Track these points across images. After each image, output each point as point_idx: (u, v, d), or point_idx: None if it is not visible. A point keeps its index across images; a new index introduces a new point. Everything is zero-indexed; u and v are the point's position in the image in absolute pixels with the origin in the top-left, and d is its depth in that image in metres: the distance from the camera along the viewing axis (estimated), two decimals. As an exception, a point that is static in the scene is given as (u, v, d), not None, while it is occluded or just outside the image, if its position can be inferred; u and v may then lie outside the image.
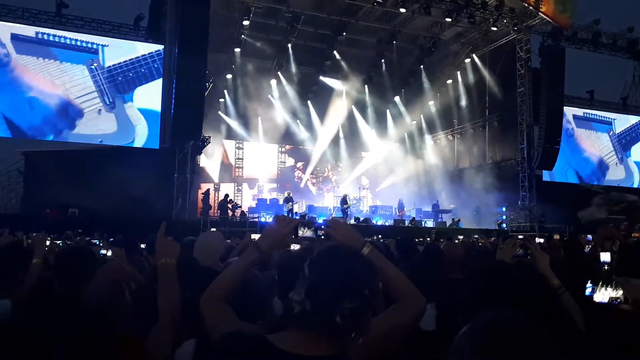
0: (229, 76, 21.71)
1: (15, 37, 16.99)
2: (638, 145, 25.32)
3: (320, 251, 1.39)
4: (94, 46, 18.28)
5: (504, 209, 20.58)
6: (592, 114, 24.05)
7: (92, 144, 17.43)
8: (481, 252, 5.56)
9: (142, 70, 18.61)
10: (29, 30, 17.03)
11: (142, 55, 18.49)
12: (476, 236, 12.09)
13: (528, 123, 20.56)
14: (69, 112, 17.48)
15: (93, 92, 17.83)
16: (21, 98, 16.88)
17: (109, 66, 18.13)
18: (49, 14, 17.04)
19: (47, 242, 4.22)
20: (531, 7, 19.11)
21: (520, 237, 12.19)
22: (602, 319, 1.66)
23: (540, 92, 20.01)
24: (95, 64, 18.07)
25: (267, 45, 21.07)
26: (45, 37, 17.45)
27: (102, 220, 12.64)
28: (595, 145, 24.14)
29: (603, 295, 1.68)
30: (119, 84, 18.22)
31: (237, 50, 20.62)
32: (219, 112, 22.31)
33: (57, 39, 17.61)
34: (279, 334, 1.29)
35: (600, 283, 1.69)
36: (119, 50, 18.36)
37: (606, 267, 4.11)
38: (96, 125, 17.75)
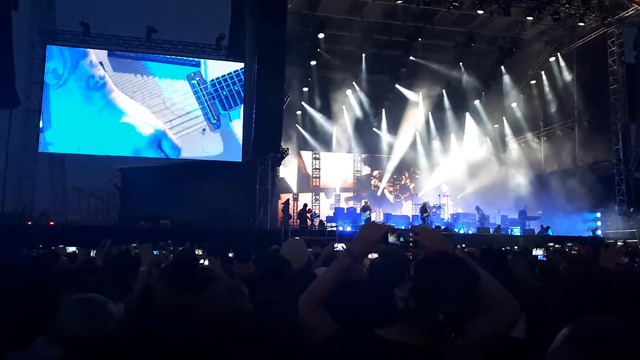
0: (305, 89, 22.21)
1: (112, 54, 17.12)
2: None
3: (428, 255, 1.49)
4: (195, 59, 17.88)
5: (598, 214, 19.17)
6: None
7: (176, 159, 18.24)
8: (576, 260, 5.24)
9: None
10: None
11: (241, 69, 17.97)
12: (569, 244, 11.34)
13: (623, 122, 19.07)
14: (168, 137, 16.84)
15: (196, 109, 17.13)
16: (116, 124, 16.64)
17: (213, 79, 17.51)
18: (140, 40, 18.42)
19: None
20: (623, -2, 17.82)
21: (620, 243, 11.32)
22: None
23: (637, 89, 18.52)
24: (197, 78, 17.34)
25: (342, 57, 21.33)
26: (141, 54, 17.39)
27: (190, 230, 13.34)
28: None
29: None
30: (223, 99, 17.54)
31: (313, 63, 21.06)
32: (296, 125, 22.86)
33: (153, 55, 17.36)
34: (385, 329, 1.40)
35: None
36: (221, 65, 17.90)
37: None
38: (200, 147, 17.25)
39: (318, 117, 22.74)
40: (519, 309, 1.63)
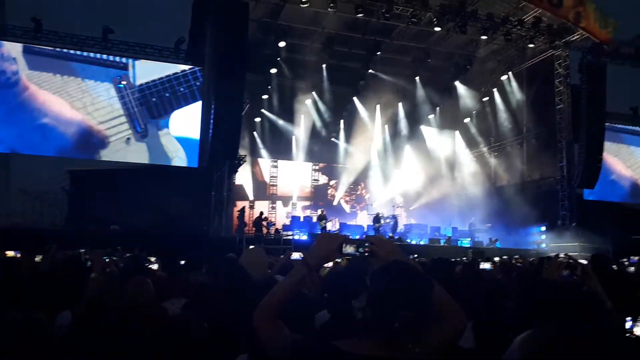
0: (265, 96, 22.17)
1: (28, 51, 14.92)
2: None
3: (383, 265, 1.51)
4: (124, 60, 16.03)
5: (542, 228, 20.03)
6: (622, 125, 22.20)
7: (134, 163, 17.74)
8: (522, 272, 5.47)
9: (181, 89, 16.67)
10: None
11: (181, 72, 16.65)
12: (516, 256, 11.81)
13: (568, 140, 20.08)
14: (90, 142, 14.97)
15: (120, 116, 15.34)
16: (32, 126, 14.68)
17: (142, 84, 15.90)
18: (96, 39, 17.86)
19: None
20: (570, 23, 18.81)
21: (562, 256, 11.85)
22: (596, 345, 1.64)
23: (581, 109, 19.56)
24: (124, 82, 15.65)
25: (302, 66, 21.46)
26: (65, 50, 15.26)
27: (141, 237, 12.99)
28: (627, 163, 22.26)
29: None
30: (152, 106, 15.92)
31: (273, 71, 21.08)
32: (254, 132, 22.75)
33: (78, 53, 15.33)
34: (343, 340, 1.40)
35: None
36: (153, 67, 16.23)
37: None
38: (124, 157, 15.70)
39: (277, 125, 22.71)
40: (465, 319, 1.69)
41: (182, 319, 2.22)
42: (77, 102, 15.07)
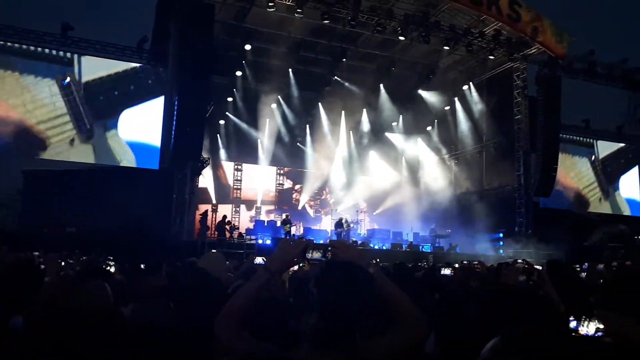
0: (229, 99, 21.97)
1: None
2: (628, 175, 24.38)
3: (324, 270, 1.47)
4: (68, 56, 14.78)
5: (501, 235, 20.61)
6: (567, 135, 22.66)
7: (90, 163, 17.15)
8: (482, 278, 5.60)
9: (132, 88, 15.65)
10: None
11: (132, 69, 15.65)
12: (475, 262, 12.07)
13: (525, 150, 20.78)
14: (28, 143, 13.72)
15: (64, 115, 14.15)
16: None
17: (88, 82, 14.85)
18: (54, 35, 17.29)
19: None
20: (528, 37, 19.51)
21: (520, 261, 12.22)
22: (585, 352, 1.71)
23: (537, 120, 20.30)
24: (68, 78, 14.51)
25: (268, 70, 21.40)
26: (2, 42, 13.78)
27: (100, 239, 12.62)
28: (571, 173, 22.75)
29: (588, 328, 1.74)
30: (99, 105, 14.90)
31: (239, 73, 20.94)
32: (218, 134, 22.51)
33: (16, 46, 13.91)
34: (296, 352, 1.37)
35: (584, 317, 1.75)
36: (101, 63, 15.06)
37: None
38: (67, 159, 14.63)
39: (242, 128, 22.53)
40: (426, 324, 1.70)
41: (139, 323, 2.17)
42: (14, 99, 13.81)
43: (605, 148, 24.21)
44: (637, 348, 1.64)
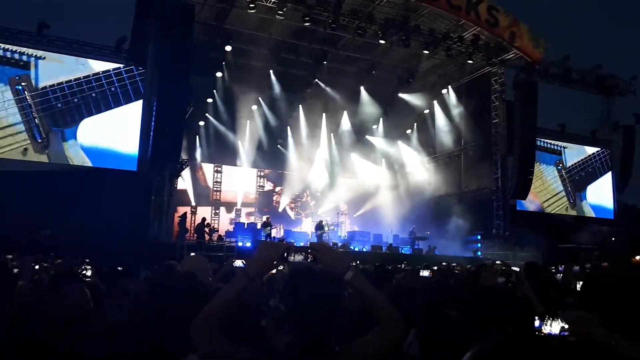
0: (209, 100, 21.80)
1: None
2: (596, 184, 24.62)
3: (287, 283, 1.47)
4: (24, 58, 13.80)
5: (479, 237, 20.88)
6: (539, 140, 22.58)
7: (66, 164, 16.80)
8: (461, 279, 5.66)
9: (94, 94, 14.95)
10: None
11: (94, 75, 14.93)
12: (454, 264, 12.20)
13: (502, 153, 21.11)
14: None
15: (17, 123, 13.17)
16: None
17: (45, 87, 13.94)
18: (30, 34, 16.93)
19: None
20: (505, 42, 19.84)
21: (498, 263, 12.40)
22: (550, 351, 1.73)
23: (514, 124, 20.64)
24: (23, 83, 13.57)
25: (248, 71, 21.30)
26: None
27: (76, 242, 12.36)
28: (538, 182, 22.52)
29: (552, 327, 1.77)
30: (57, 112, 13.98)
31: (219, 74, 20.80)
32: (198, 135, 22.31)
33: None
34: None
35: (547, 317, 1.78)
36: (60, 67, 14.12)
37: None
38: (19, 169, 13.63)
39: (222, 129, 22.34)
40: (404, 326, 1.70)
41: (117, 327, 2.13)
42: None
43: (573, 156, 24.59)
44: (599, 347, 1.68)
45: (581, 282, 4.19)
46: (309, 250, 1.72)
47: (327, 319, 1.36)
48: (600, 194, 24.56)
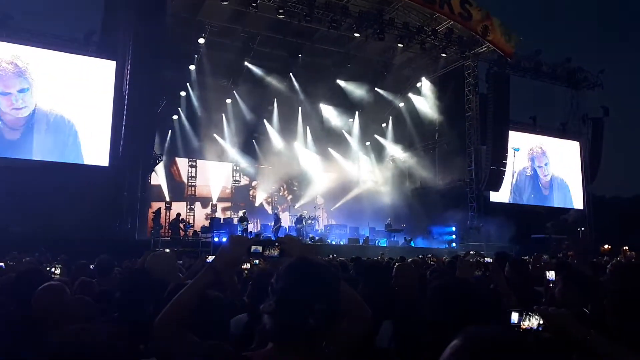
0: (183, 93, 21.46)
1: None
2: (566, 175, 24.89)
3: (290, 263, 1.46)
4: None
5: (453, 228, 21.18)
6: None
7: (33, 160, 16.31)
8: (437, 271, 5.71)
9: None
10: None
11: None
12: (429, 255, 12.36)
13: (476, 146, 21.41)
14: None
15: None
16: None
17: None
18: (-7, 25, 16.33)
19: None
20: (478, 36, 20.07)
21: (472, 253, 12.60)
22: (526, 346, 1.75)
23: (487, 117, 20.95)
24: None
25: (222, 64, 21.05)
26: None
27: (46, 239, 12.05)
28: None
29: (529, 322, 1.79)
30: None
31: (192, 67, 20.48)
32: (172, 130, 21.98)
33: None
34: (256, 351, 1.36)
35: (525, 312, 1.80)
36: None
37: (551, 285, 4.30)
38: None
39: (196, 123, 22.00)
40: (370, 313, 1.71)
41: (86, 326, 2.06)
42: None
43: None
44: (573, 342, 1.70)
45: (551, 272, 4.27)
46: (277, 244, 1.72)
47: (315, 304, 1.35)
48: (571, 185, 25.12)
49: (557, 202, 24.42)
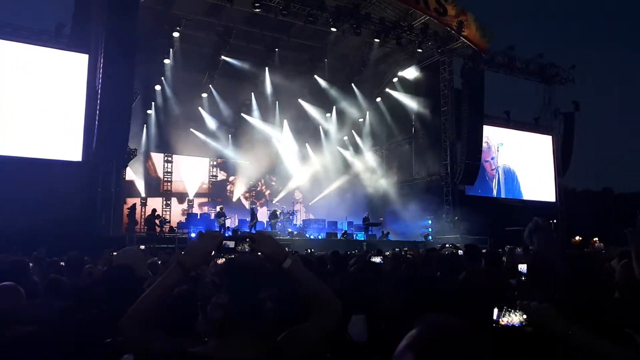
0: (157, 87, 21.13)
1: None
2: (538, 169, 25.32)
3: (225, 271, 1.47)
4: None
5: (429, 222, 21.45)
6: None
7: (2, 156, 15.84)
8: (409, 264, 5.78)
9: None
10: None
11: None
12: (406, 248, 12.50)
13: (451, 140, 21.68)
14: None
15: None
16: None
17: None
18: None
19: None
20: (454, 32, 20.28)
21: (448, 246, 12.77)
22: (507, 342, 1.79)
23: (462, 111, 21.22)
24: None
25: (198, 58, 20.79)
26: None
27: (15, 236, 11.74)
28: None
29: (510, 318, 1.82)
30: None
31: (167, 61, 20.17)
32: (147, 125, 21.64)
33: None
34: (204, 345, 1.35)
35: (506, 307, 1.83)
36: None
37: (523, 278, 4.40)
38: None
39: (171, 117, 21.68)
40: (340, 305, 1.72)
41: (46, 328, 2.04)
42: None
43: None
44: (555, 337, 1.74)
45: (525, 265, 4.37)
46: (247, 240, 1.71)
47: (262, 301, 1.37)
48: (543, 178, 25.64)
49: (530, 195, 24.86)
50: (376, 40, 20.41)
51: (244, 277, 1.38)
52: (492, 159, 23.96)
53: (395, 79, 24.01)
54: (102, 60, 15.32)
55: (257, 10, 17.68)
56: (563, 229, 24.12)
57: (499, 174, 24.08)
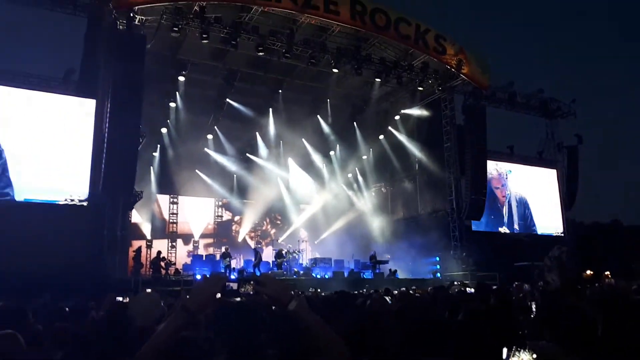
0: (163, 130, 21.46)
1: None
2: (545, 203, 25.16)
3: (217, 315, 1.45)
4: None
5: (437, 258, 21.19)
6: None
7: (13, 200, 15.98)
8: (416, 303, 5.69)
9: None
10: None
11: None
12: (414, 287, 12.34)
13: (455, 176, 21.69)
14: None
15: None
16: None
17: None
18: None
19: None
20: (453, 70, 20.63)
21: (456, 283, 12.59)
22: None
23: (465, 147, 21.30)
24: None
25: (203, 100, 21.19)
26: None
27: (22, 280, 11.67)
28: None
29: (519, 358, 1.79)
30: None
31: (173, 105, 20.57)
32: (152, 167, 21.85)
33: None
34: None
35: (515, 347, 1.80)
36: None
37: (532, 316, 4.32)
38: None
39: (177, 159, 21.91)
40: (349, 354, 1.69)
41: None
42: None
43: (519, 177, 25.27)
44: None
45: (534, 303, 4.31)
46: (252, 283, 1.70)
47: (258, 346, 1.34)
48: (550, 211, 25.45)
49: (538, 230, 24.61)
50: (377, 79, 20.77)
51: (238, 320, 1.36)
52: (503, 185, 23.93)
53: (397, 117, 24.28)
54: (109, 105, 15.63)
55: (261, 53, 18.12)
56: (573, 263, 23.70)
57: (510, 203, 23.93)
